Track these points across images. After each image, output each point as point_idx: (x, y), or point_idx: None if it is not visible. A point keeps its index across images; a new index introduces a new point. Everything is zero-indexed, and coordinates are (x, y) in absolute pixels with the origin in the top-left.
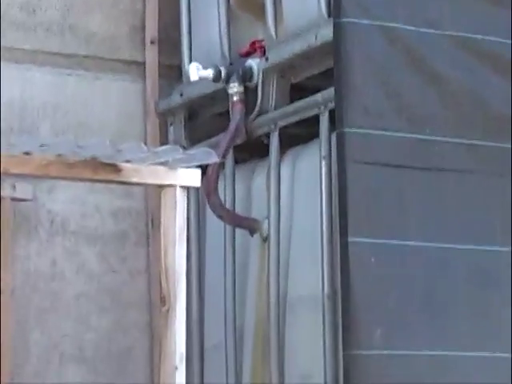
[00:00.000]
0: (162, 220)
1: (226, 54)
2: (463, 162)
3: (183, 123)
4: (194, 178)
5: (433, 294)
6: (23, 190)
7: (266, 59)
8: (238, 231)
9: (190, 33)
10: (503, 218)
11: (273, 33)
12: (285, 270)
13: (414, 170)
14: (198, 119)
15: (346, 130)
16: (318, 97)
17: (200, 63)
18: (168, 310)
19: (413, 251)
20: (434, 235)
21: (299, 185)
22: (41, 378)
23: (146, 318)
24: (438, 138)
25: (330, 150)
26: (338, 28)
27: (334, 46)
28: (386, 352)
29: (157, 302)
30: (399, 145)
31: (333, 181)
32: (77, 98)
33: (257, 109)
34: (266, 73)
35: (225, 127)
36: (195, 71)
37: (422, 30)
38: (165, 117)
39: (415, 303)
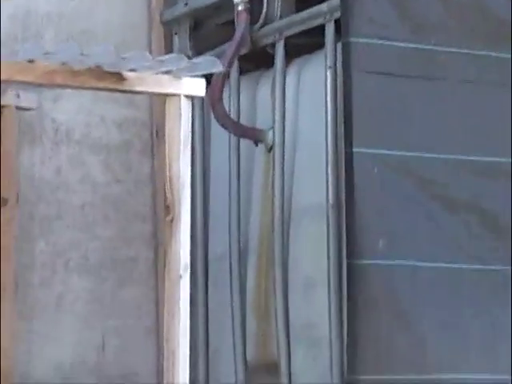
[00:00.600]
0: (166, 129)
1: None
2: (467, 71)
3: (188, 33)
4: (198, 87)
5: (437, 205)
6: (28, 98)
7: None
8: (243, 141)
9: None
10: (504, 126)
11: None
12: (289, 179)
13: (418, 80)
14: (203, 29)
15: (352, 39)
16: (324, 6)
17: None
18: (172, 220)
19: (416, 160)
20: (437, 145)
21: (304, 95)
22: (46, 287)
23: (151, 228)
24: (443, 49)
25: (335, 59)
26: None
27: None
28: (388, 262)
29: (161, 212)
30: (404, 54)
31: (338, 91)
32: (81, 7)
33: (262, 18)
34: None
35: (230, 37)
36: None
37: None
38: (169, 26)
39: (419, 213)
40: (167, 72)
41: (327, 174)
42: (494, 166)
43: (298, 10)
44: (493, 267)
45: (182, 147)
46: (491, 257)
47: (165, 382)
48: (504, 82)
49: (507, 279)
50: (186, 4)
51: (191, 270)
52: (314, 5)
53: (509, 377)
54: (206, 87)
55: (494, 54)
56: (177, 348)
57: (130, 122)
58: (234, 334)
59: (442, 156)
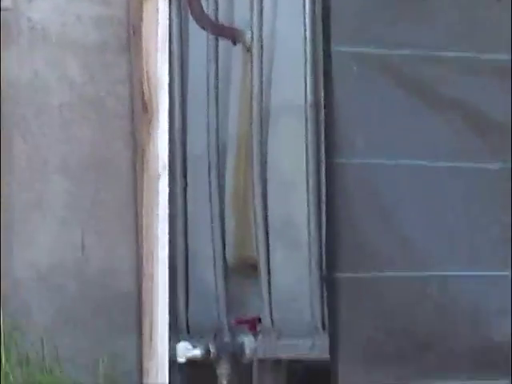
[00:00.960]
0: (143, 28)
1: None
2: None
3: None
4: None
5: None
6: None
7: None
8: (221, 41)
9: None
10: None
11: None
12: (268, 79)
13: None
14: None
15: None
16: None
17: None
18: (151, 119)
19: (396, 58)
20: (417, 42)
21: None
22: (25, 189)
23: (129, 127)
24: None
25: None
26: None
27: None
28: (368, 160)
29: (139, 112)
30: None
31: None
32: None
33: None
34: None
35: None
36: None
37: None
38: None
39: (399, 111)
40: None
41: (305, 73)
42: (477, 63)
43: None
44: (475, 165)
45: (159, 45)
46: (473, 155)
47: (143, 281)
48: None
49: (491, 176)
50: None
51: (170, 171)
52: None
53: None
54: None
55: None
56: (155, 248)
57: (106, 20)
58: (212, 233)
59: (421, 53)
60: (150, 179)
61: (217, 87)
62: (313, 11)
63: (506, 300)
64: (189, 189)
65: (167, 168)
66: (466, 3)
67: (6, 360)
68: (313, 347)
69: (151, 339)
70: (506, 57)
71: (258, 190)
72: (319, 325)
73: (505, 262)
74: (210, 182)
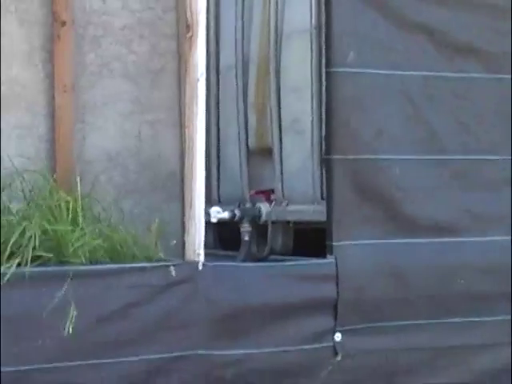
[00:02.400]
0: None
1: None
2: None
3: None
4: None
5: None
6: None
7: None
8: None
9: None
10: None
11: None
12: (281, 9)
13: None
14: None
15: None
16: None
17: None
18: (191, 37)
19: None
20: None
21: None
22: (95, 89)
23: (175, 45)
24: None
25: None
26: None
27: None
28: (357, 70)
29: (184, 32)
30: None
31: None
32: None
33: None
34: None
35: None
36: None
37: None
38: None
39: (384, 33)
40: None
41: (310, 3)
42: None
43: None
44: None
45: None
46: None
47: (186, 162)
48: None
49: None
50: None
51: (206, 77)
52: None
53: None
54: None
55: None
56: (195, 135)
57: None
58: (238, 126)
59: None
60: (190, 83)
61: (243, 13)
62: None
63: None
64: (220, 92)
65: (204, 75)
66: None
67: (83, 219)
68: (314, 212)
69: (191, 206)
70: None
71: (273, 94)
72: (318, 195)
73: None
74: (237, 86)
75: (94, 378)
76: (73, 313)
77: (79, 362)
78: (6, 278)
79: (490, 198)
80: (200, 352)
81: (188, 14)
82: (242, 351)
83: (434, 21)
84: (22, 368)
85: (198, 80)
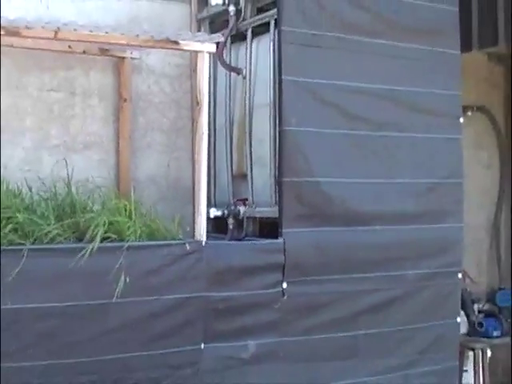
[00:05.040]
0: (197, 68)
1: None
2: None
3: (208, 24)
4: (212, 48)
5: None
6: None
7: None
8: (232, 74)
9: None
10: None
11: None
12: (252, 91)
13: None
14: (215, 22)
15: (282, 28)
16: (270, 12)
17: None
18: (199, 108)
19: None
20: None
21: (260, 52)
22: (139, 138)
23: (190, 113)
24: None
25: (274, 37)
26: None
27: None
28: (296, 128)
29: (195, 105)
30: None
31: (275, 51)
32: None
33: (241, 17)
34: None
35: (227, 26)
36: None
37: None
38: (199, 21)
39: None
40: (198, 41)
41: (269, 89)
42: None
43: (258, 13)
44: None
45: (203, 79)
46: None
47: (195, 181)
48: None
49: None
50: (208, 11)
51: (208, 133)
52: (266, 11)
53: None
54: (216, 48)
55: None
56: (200, 165)
57: (183, 67)
58: (227, 161)
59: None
60: (198, 137)
61: (229, 96)
62: (274, 58)
63: None
64: (217, 140)
65: (206, 132)
66: None
67: (135, 215)
68: (271, 212)
69: (198, 207)
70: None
71: (247, 142)
72: (273, 201)
73: None
74: (225, 139)
75: (140, 308)
76: (126, 270)
77: (130, 299)
78: (90, 249)
79: (380, 201)
80: (203, 294)
81: (197, 94)
82: (228, 293)
83: (341, 102)
84: (92, 302)
85: (203, 133)
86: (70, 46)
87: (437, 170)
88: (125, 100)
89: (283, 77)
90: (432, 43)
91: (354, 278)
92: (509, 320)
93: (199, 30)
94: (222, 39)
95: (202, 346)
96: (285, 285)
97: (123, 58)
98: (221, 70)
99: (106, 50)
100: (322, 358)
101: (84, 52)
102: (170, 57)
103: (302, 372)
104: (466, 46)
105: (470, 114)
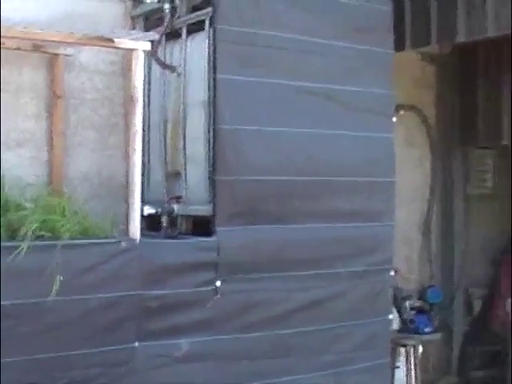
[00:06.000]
0: (132, 66)
1: None
2: None
3: (143, 21)
4: (147, 46)
5: None
6: None
7: None
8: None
9: None
10: None
11: None
12: (186, 89)
13: None
14: (149, 20)
15: (218, 26)
16: (206, 11)
17: None
18: (134, 104)
19: None
20: None
21: (193, 50)
22: (74, 137)
23: (123, 110)
24: None
25: (209, 35)
26: None
27: None
28: (230, 127)
29: (130, 102)
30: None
31: (210, 49)
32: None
33: (176, 15)
34: None
35: (162, 24)
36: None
37: None
38: (133, 18)
39: None
40: (133, 38)
41: (204, 85)
42: None
43: (193, 11)
44: None
45: (138, 77)
46: None
47: (129, 179)
48: None
49: None
50: (142, 9)
51: (142, 130)
52: (201, 9)
53: None
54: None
55: None
56: (134, 162)
57: (117, 63)
58: (161, 159)
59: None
60: (132, 134)
61: (164, 93)
62: (209, 56)
63: None
64: (150, 138)
65: (141, 129)
66: None
67: (68, 212)
68: (204, 210)
69: (132, 205)
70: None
71: (181, 141)
72: (207, 200)
73: None
74: (159, 136)
75: (74, 307)
76: (60, 269)
77: (64, 298)
78: (21, 248)
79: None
80: (137, 292)
81: (132, 90)
82: (161, 292)
83: (276, 100)
84: (26, 301)
85: (137, 131)
86: (3, 43)
87: (369, 169)
88: (58, 97)
89: (218, 75)
90: (366, 42)
91: (287, 276)
92: (439, 316)
93: (134, 28)
94: (156, 37)
95: (136, 344)
96: (218, 283)
97: (57, 54)
98: (155, 67)
99: (40, 46)
100: (256, 357)
101: (18, 48)
102: (104, 54)
103: (235, 370)
104: (399, 46)
105: (402, 112)
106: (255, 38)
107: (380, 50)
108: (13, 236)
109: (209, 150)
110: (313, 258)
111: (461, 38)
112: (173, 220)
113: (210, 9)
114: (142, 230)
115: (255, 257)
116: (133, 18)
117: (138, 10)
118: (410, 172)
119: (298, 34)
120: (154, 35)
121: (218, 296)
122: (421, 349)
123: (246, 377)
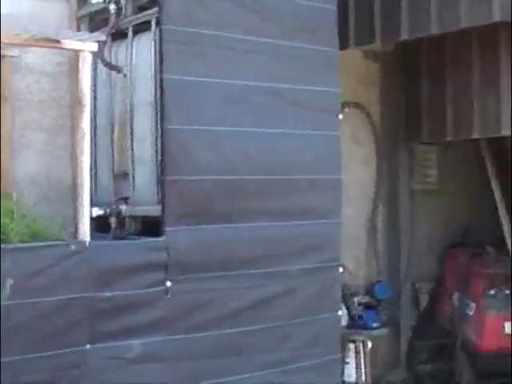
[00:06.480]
0: (79, 67)
1: None
2: None
3: (88, 22)
4: (93, 46)
5: None
6: None
7: None
8: (113, 73)
9: None
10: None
11: None
12: (132, 89)
13: None
14: (95, 20)
15: (163, 27)
16: (152, 11)
17: None
18: (82, 107)
19: None
20: None
21: (140, 50)
22: (21, 139)
23: (70, 112)
24: None
25: (155, 35)
26: None
27: None
28: (179, 127)
29: (77, 104)
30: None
31: (156, 48)
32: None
33: (123, 15)
34: None
35: (107, 24)
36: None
37: None
38: (79, 19)
39: None
40: (80, 40)
41: (150, 87)
42: None
43: (140, 11)
44: None
45: (85, 77)
46: None
47: (78, 181)
48: None
49: None
50: (87, 9)
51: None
52: (147, 9)
53: None
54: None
55: None
56: (82, 164)
57: (63, 64)
58: (108, 160)
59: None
60: (80, 136)
61: (110, 94)
62: (155, 56)
63: None
64: (97, 139)
65: (88, 131)
66: None
67: (17, 216)
68: (153, 211)
69: (81, 207)
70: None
71: (129, 141)
72: (156, 200)
73: None
74: (106, 138)
75: (25, 311)
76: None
77: (14, 301)
78: None
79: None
80: (87, 294)
81: (79, 93)
82: (112, 293)
83: (223, 99)
84: None
85: (85, 133)
86: None
87: (316, 166)
88: (5, 99)
89: (164, 75)
90: (311, 41)
91: (236, 275)
92: (387, 312)
93: (79, 29)
94: (103, 38)
95: (88, 346)
96: (168, 283)
97: (3, 56)
98: (101, 68)
99: None
100: (207, 356)
101: None
102: (50, 55)
103: (187, 370)
104: (343, 44)
105: (347, 110)
106: (202, 38)
107: (326, 49)
108: None
109: (156, 151)
110: (262, 256)
111: (404, 36)
112: (121, 221)
113: (156, 9)
114: (91, 231)
115: (205, 256)
116: (78, 19)
117: (84, 11)
118: (357, 169)
119: (245, 33)
120: (101, 36)
121: (169, 296)
122: (370, 344)
123: (196, 376)
